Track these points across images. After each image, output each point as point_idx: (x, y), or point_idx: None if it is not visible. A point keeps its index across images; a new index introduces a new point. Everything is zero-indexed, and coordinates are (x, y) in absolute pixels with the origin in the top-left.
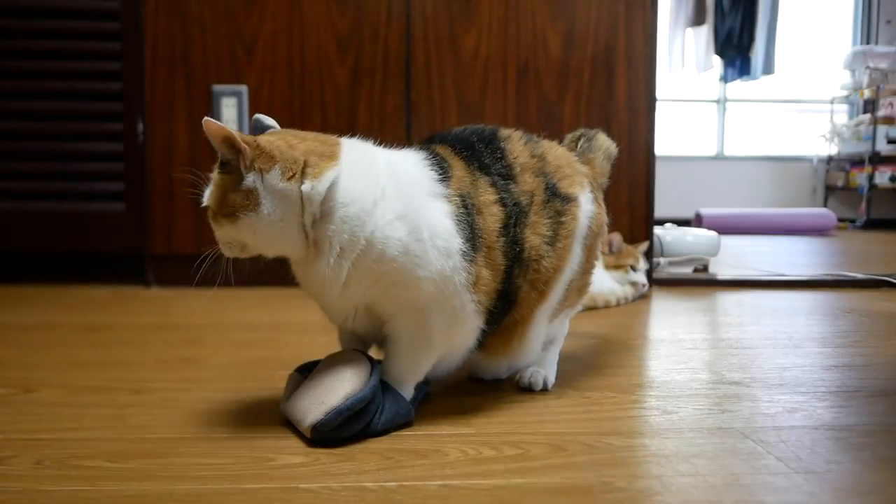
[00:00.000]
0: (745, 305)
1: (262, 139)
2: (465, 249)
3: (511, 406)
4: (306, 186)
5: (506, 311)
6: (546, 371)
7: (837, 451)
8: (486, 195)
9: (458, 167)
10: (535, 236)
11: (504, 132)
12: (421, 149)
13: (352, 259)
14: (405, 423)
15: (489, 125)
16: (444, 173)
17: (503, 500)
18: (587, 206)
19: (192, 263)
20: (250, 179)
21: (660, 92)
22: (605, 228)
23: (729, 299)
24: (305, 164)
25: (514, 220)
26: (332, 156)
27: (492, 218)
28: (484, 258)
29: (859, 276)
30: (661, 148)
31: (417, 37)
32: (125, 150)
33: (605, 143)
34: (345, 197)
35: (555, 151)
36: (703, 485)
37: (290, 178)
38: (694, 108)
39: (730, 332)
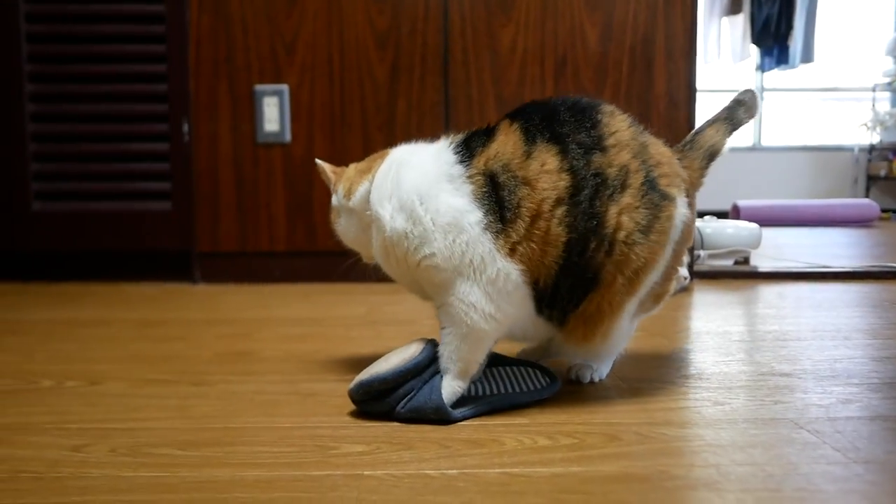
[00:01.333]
0: (788, 297)
1: (344, 168)
2: (487, 221)
3: (562, 397)
4: (348, 201)
5: (586, 289)
6: (599, 366)
7: (894, 442)
8: (546, 164)
9: (502, 142)
10: (627, 218)
11: (608, 107)
12: (471, 132)
13: (390, 256)
14: (437, 420)
15: (595, 99)
16: (467, 154)
17: (563, 487)
18: (682, 210)
19: (236, 260)
20: (334, 199)
21: (699, 83)
22: (693, 234)
23: (771, 291)
24: (352, 182)
25: (593, 191)
26: (368, 170)
27: (546, 187)
28: (526, 228)
29: None
30: None
31: (455, 32)
32: (171, 150)
33: (710, 141)
34: (373, 205)
35: (658, 147)
36: (762, 474)
37: (345, 196)
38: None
39: (774, 324)
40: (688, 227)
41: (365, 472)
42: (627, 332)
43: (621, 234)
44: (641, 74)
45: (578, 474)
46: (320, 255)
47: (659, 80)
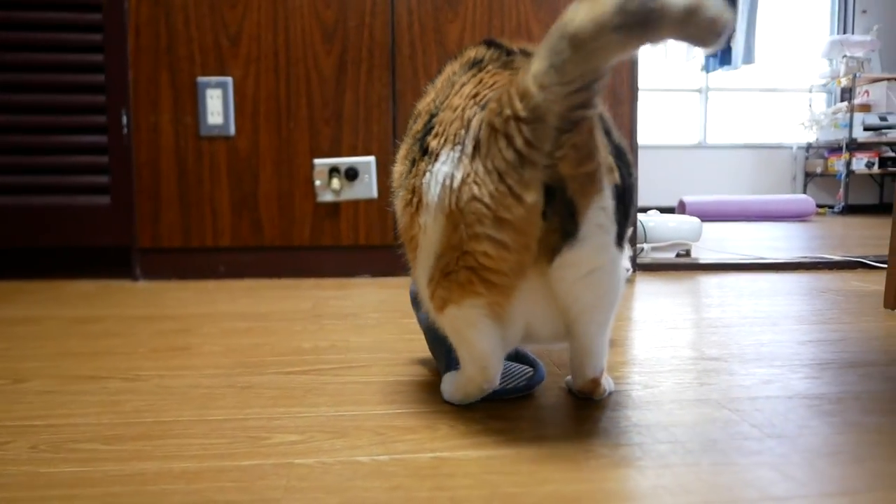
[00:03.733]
0: (726, 287)
1: None
2: None
3: None
4: None
5: None
6: None
7: (809, 418)
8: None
9: None
10: (412, 181)
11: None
12: None
13: None
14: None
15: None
16: None
17: (492, 468)
18: (443, 168)
19: (179, 256)
20: None
21: (644, 82)
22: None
23: (710, 282)
24: None
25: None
26: None
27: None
28: None
29: (836, 258)
30: (645, 137)
31: (402, 27)
32: (110, 142)
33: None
34: None
35: (463, 91)
36: (681, 450)
37: None
38: (677, 97)
39: (710, 312)
40: (459, 191)
41: (296, 461)
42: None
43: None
44: None
45: (508, 456)
46: (266, 249)
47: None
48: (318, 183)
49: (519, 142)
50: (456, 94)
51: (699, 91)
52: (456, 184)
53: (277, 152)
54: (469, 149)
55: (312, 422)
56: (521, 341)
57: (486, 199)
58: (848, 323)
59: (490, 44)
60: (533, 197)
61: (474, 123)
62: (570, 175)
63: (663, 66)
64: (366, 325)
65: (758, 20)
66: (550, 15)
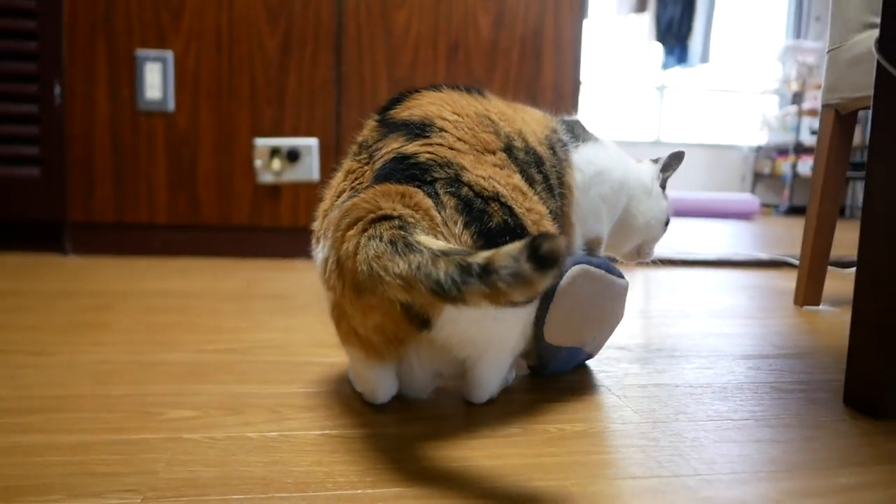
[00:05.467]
0: (654, 281)
1: None
2: None
3: None
4: None
5: None
6: None
7: (688, 405)
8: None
9: None
10: None
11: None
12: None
13: None
14: None
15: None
16: None
17: (377, 446)
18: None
19: (112, 232)
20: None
21: (604, 77)
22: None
23: (642, 276)
24: None
25: None
26: None
27: None
28: None
29: (763, 256)
30: (603, 132)
31: (349, 10)
32: (41, 112)
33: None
34: None
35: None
36: (559, 433)
37: None
38: (636, 94)
39: (634, 304)
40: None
41: (184, 436)
42: None
43: None
44: (530, 64)
45: (393, 434)
46: (203, 228)
47: (547, 71)
48: (258, 163)
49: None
50: (336, 179)
51: (658, 88)
52: (328, 271)
53: (217, 130)
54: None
55: (211, 399)
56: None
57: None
58: (756, 318)
59: (383, 112)
60: (374, 320)
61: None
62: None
63: (623, 61)
64: (293, 306)
65: (715, 20)
66: (497, 6)
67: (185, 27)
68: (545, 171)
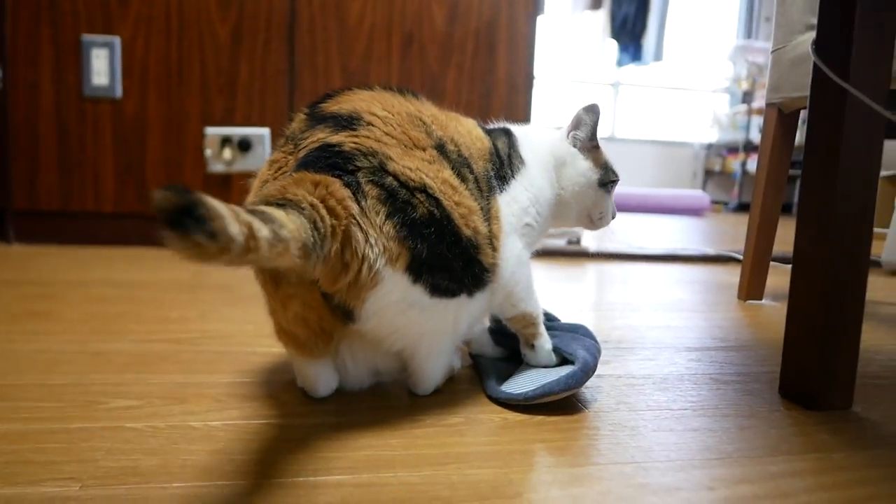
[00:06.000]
0: (606, 275)
1: None
2: None
3: None
4: None
5: None
6: None
7: (629, 395)
8: None
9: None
10: None
11: None
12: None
13: None
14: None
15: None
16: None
17: (319, 434)
18: None
19: (57, 220)
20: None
21: (559, 72)
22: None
23: (594, 270)
24: None
25: None
26: None
27: None
28: None
29: (710, 251)
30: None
31: (302, 0)
32: None
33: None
34: None
35: None
36: (502, 423)
37: None
38: (591, 90)
39: (583, 297)
40: None
41: (127, 425)
42: None
43: None
44: (484, 58)
45: (338, 424)
46: (151, 218)
47: (501, 65)
48: (208, 152)
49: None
50: (262, 170)
51: (612, 85)
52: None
53: (167, 118)
54: None
55: (155, 388)
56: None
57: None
58: (700, 312)
59: (313, 106)
60: (294, 310)
61: None
62: (330, 291)
63: (578, 58)
64: (240, 296)
65: (668, 19)
66: None
67: (133, 12)
68: (476, 175)
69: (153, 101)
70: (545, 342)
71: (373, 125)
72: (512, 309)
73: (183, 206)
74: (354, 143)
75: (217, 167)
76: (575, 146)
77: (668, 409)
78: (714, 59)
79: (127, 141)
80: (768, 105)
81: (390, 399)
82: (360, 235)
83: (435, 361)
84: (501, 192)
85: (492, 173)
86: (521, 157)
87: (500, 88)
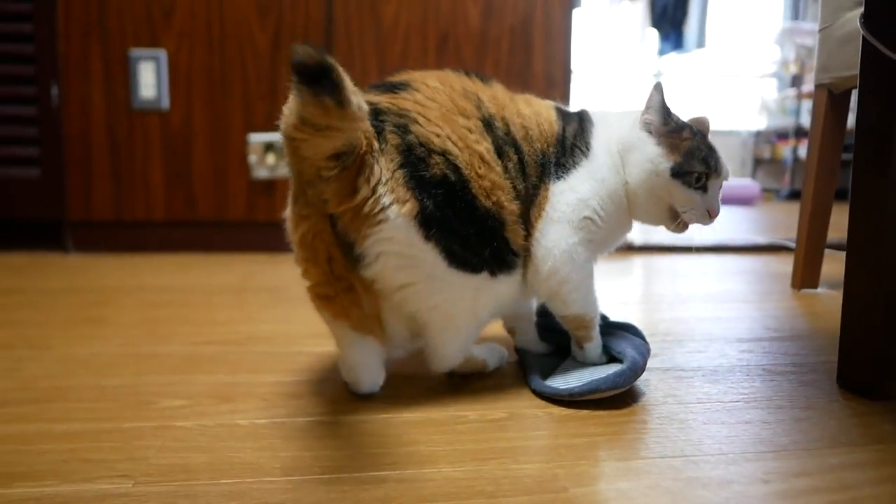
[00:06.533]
0: (652, 268)
1: None
2: None
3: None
4: None
5: None
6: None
7: (678, 388)
8: None
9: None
10: None
11: None
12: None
13: None
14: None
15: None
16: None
17: (364, 430)
18: None
19: (111, 229)
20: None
21: (598, 65)
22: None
23: (640, 262)
24: None
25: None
26: None
27: None
28: None
29: (760, 241)
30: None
31: (338, 4)
32: (39, 114)
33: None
34: None
35: None
36: (547, 417)
37: None
38: (634, 81)
39: (628, 290)
40: None
41: (176, 424)
42: None
43: None
44: (521, 53)
45: (380, 420)
46: (200, 224)
47: (537, 60)
48: (252, 158)
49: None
50: None
51: (654, 75)
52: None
53: (212, 127)
54: None
55: (203, 388)
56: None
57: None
58: (752, 302)
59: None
60: (303, 228)
61: None
62: (336, 211)
63: (619, 49)
64: (286, 298)
65: (710, 5)
66: None
67: (176, 25)
68: (523, 156)
69: (198, 110)
70: (597, 346)
71: (418, 91)
72: (563, 308)
73: (322, 65)
74: (391, 102)
75: (261, 173)
76: (648, 130)
77: (719, 401)
78: (760, 43)
79: (174, 151)
80: (817, 87)
81: (434, 395)
82: (376, 169)
83: (449, 339)
84: (558, 179)
85: (551, 159)
86: (587, 145)
87: (538, 83)
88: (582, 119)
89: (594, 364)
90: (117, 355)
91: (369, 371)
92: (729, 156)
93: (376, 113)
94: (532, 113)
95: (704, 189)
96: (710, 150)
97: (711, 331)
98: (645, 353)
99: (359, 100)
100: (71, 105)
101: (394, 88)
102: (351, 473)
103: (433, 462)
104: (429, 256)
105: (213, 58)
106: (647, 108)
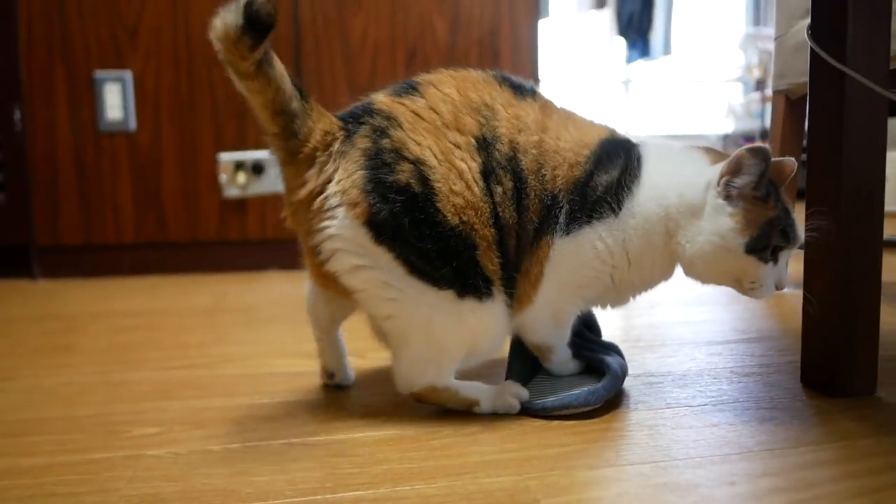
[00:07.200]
0: None
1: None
2: None
3: (369, 373)
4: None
5: None
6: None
7: (647, 394)
8: None
9: None
10: None
11: None
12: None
13: None
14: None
15: None
16: None
17: (337, 451)
18: None
19: (80, 254)
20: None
21: (567, 73)
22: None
23: None
24: None
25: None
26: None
27: None
28: None
29: None
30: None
31: (306, 21)
32: (3, 138)
33: None
34: None
35: None
36: (520, 429)
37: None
38: (600, 89)
39: None
40: None
41: (148, 452)
42: None
43: None
44: (489, 65)
45: (355, 440)
46: (172, 246)
47: (505, 70)
48: (223, 178)
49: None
50: None
51: (622, 82)
52: None
53: (181, 147)
54: None
55: (176, 415)
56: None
57: None
58: (722, 304)
59: None
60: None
61: None
62: (289, 201)
63: (587, 58)
64: (258, 318)
65: (675, 12)
66: (452, 8)
67: (142, 46)
68: (524, 187)
69: (166, 130)
70: (558, 363)
71: (424, 97)
72: (528, 337)
73: (269, 24)
74: (389, 104)
75: (232, 192)
76: (726, 196)
77: (688, 405)
78: (724, 48)
79: (143, 172)
80: (775, 92)
81: (410, 411)
82: (329, 167)
83: (405, 356)
84: (567, 234)
85: (562, 204)
86: (618, 203)
87: None
88: (627, 167)
89: (560, 374)
90: (86, 384)
91: (326, 312)
92: None
93: (366, 112)
94: (558, 146)
95: (776, 261)
96: (789, 216)
97: (682, 335)
98: (624, 371)
99: (277, 73)
100: (36, 128)
101: (404, 90)
102: (324, 495)
103: (407, 479)
104: (382, 261)
105: (181, 77)
106: (738, 171)
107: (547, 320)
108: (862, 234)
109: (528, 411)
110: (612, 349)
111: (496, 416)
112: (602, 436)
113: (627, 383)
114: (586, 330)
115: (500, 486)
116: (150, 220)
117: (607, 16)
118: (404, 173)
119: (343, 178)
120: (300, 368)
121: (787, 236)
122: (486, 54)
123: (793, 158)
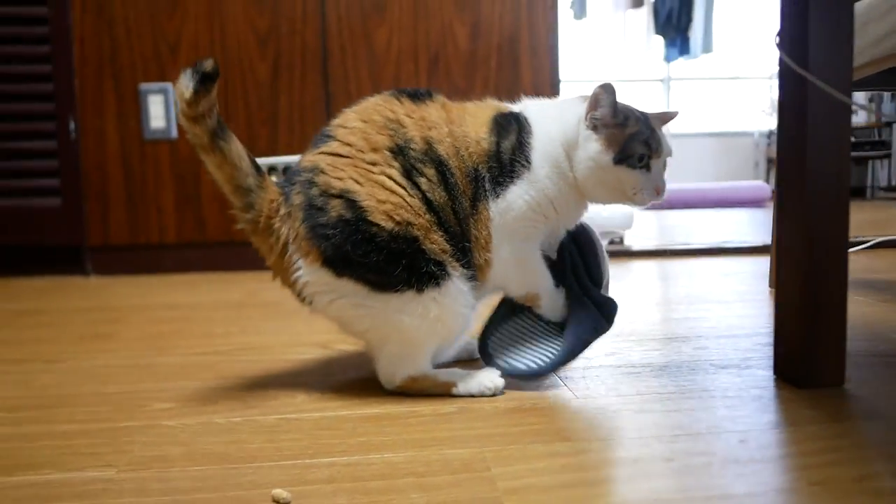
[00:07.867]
0: (638, 272)
1: None
2: None
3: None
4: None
5: None
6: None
7: (623, 382)
8: None
9: None
10: None
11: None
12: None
13: None
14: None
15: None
16: None
17: (323, 425)
18: None
19: (127, 253)
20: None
21: (606, 72)
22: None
23: (632, 266)
24: None
25: None
26: None
27: None
28: None
29: (756, 243)
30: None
31: (332, 32)
32: (59, 147)
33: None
34: None
35: None
36: (493, 411)
37: None
38: (640, 87)
39: (615, 296)
40: None
41: (162, 423)
42: None
43: None
44: (508, 70)
45: (341, 417)
46: (210, 245)
47: (525, 75)
48: None
49: None
50: None
51: (661, 81)
52: None
53: None
54: None
55: (191, 393)
56: None
57: None
58: (725, 302)
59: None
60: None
61: None
62: (268, 265)
63: (625, 56)
64: (281, 312)
65: (715, 9)
66: (472, 16)
67: (182, 59)
68: (449, 172)
69: None
70: (551, 309)
71: (334, 138)
72: (513, 292)
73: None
74: (309, 160)
75: None
76: (591, 127)
77: (657, 393)
78: (767, 43)
79: (184, 177)
80: None
81: (399, 395)
82: (283, 231)
83: (384, 357)
84: (497, 196)
85: (484, 174)
86: (526, 159)
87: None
88: (520, 129)
89: (552, 319)
90: (120, 366)
91: None
92: (742, 157)
93: (295, 173)
94: (463, 133)
95: (648, 168)
96: (652, 132)
97: (675, 330)
98: (586, 341)
99: (234, 151)
100: (87, 138)
101: (321, 141)
102: (303, 459)
103: (378, 450)
104: (348, 289)
105: (217, 86)
106: (596, 105)
107: (513, 273)
108: (827, 235)
109: (499, 367)
110: (599, 303)
111: (473, 400)
112: (568, 417)
113: (607, 373)
114: (587, 279)
115: (458, 457)
116: (190, 222)
117: (644, 14)
118: (335, 209)
119: (295, 236)
120: (308, 356)
121: (649, 145)
122: (506, 60)
123: (676, 110)
